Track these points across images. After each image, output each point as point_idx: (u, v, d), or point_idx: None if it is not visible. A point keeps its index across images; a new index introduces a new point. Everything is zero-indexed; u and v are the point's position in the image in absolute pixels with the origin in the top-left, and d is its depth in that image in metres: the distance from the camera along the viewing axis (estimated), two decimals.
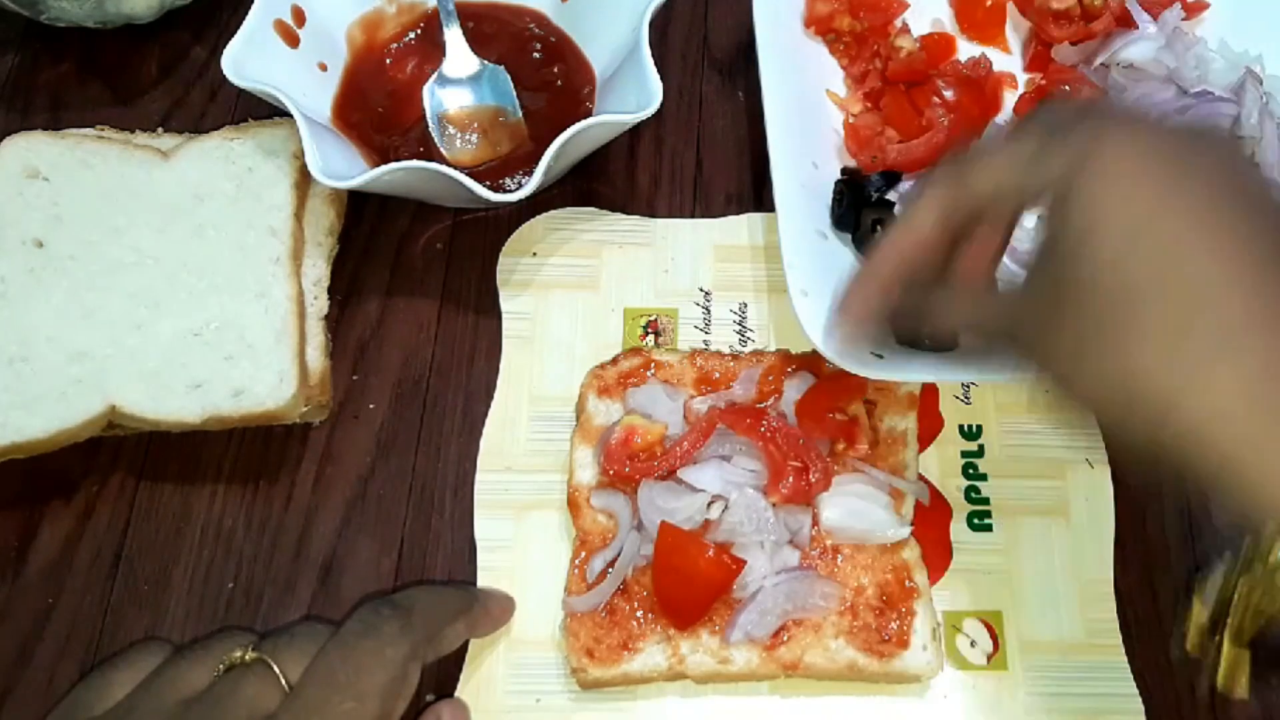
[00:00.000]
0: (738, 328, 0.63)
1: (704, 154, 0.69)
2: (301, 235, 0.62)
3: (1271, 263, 0.35)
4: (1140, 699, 0.53)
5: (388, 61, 0.68)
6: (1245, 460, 0.33)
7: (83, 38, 0.72)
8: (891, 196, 0.63)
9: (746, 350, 0.61)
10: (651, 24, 0.60)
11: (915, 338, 0.53)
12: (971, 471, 0.58)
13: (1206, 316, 0.34)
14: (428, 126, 0.65)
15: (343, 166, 0.60)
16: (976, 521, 0.57)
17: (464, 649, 0.54)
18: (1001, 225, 0.46)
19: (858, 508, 0.54)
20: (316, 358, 0.59)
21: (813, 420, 0.56)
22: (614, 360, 0.59)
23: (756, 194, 0.67)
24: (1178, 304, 0.34)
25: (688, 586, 0.52)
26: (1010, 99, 0.68)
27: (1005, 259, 0.62)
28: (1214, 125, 0.40)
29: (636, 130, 0.66)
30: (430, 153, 0.64)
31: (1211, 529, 0.56)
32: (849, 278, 0.51)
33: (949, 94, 0.66)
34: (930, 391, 0.60)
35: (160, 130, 0.67)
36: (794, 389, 0.57)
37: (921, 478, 0.57)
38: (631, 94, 0.60)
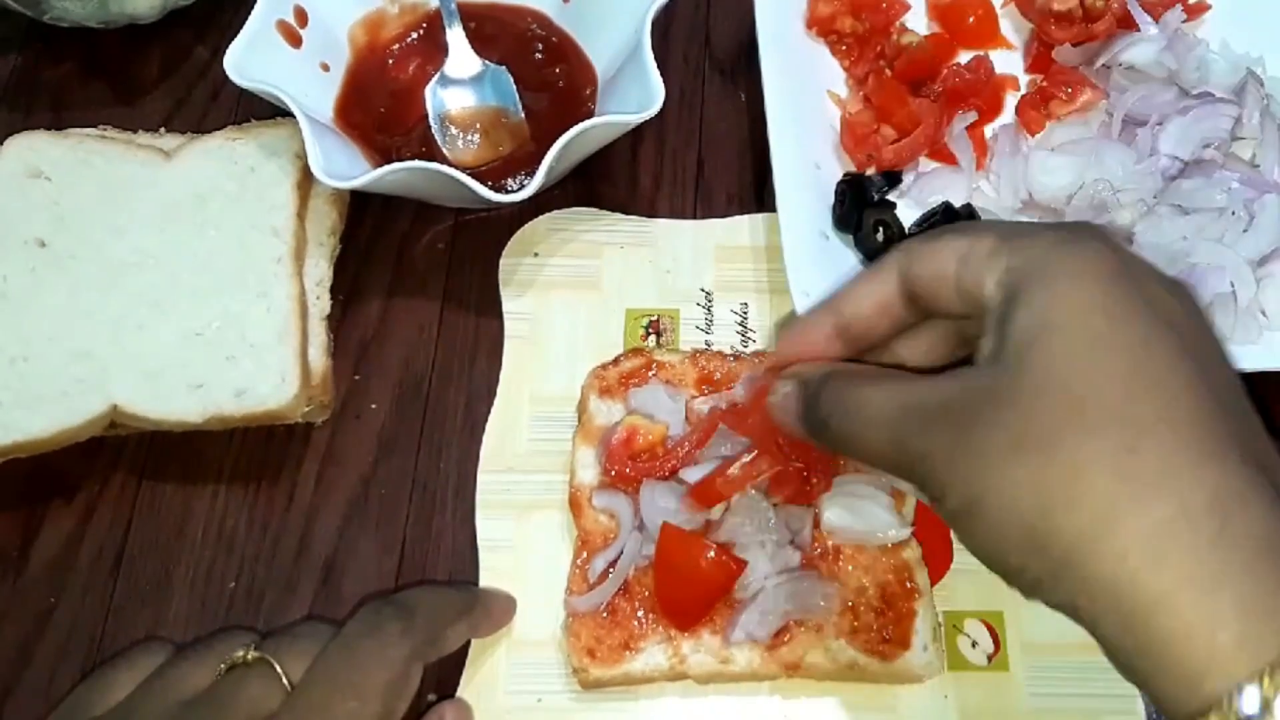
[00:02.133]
0: (739, 328, 0.63)
1: (705, 154, 0.69)
2: (304, 235, 0.62)
3: (1227, 395, 0.34)
4: (1141, 699, 0.53)
5: (390, 62, 0.69)
6: (1171, 624, 0.30)
7: (85, 37, 0.72)
8: (893, 197, 0.63)
9: (748, 351, 0.61)
10: (653, 24, 0.60)
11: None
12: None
13: (1158, 438, 0.31)
14: (430, 127, 0.65)
15: (345, 167, 0.60)
16: None
17: (465, 649, 0.54)
18: (942, 328, 0.43)
19: (859, 508, 0.54)
20: (318, 358, 0.59)
21: None
22: (615, 360, 0.59)
23: (758, 194, 0.67)
24: (1129, 420, 0.32)
25: (689, 587, 0.52)
26: (1011, 100, 0.68)
27: None
28: (1177, 278, 0.38)
29: (638, 131, 0.67)
30: (432, 153, 0.65)
31: None
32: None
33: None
34: None
35: (162, 130, 0.67)
36: None
37: None
38: (633, 95, 0.60)
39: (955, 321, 0.42)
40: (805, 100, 0.66)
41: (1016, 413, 0.33)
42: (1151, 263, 0.38)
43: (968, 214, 0.61)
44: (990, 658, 0.54)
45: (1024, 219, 0.64)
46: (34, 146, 0.62)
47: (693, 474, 0.54)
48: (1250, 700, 0.28)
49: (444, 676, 0.53)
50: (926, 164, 0.66)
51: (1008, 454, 0.33)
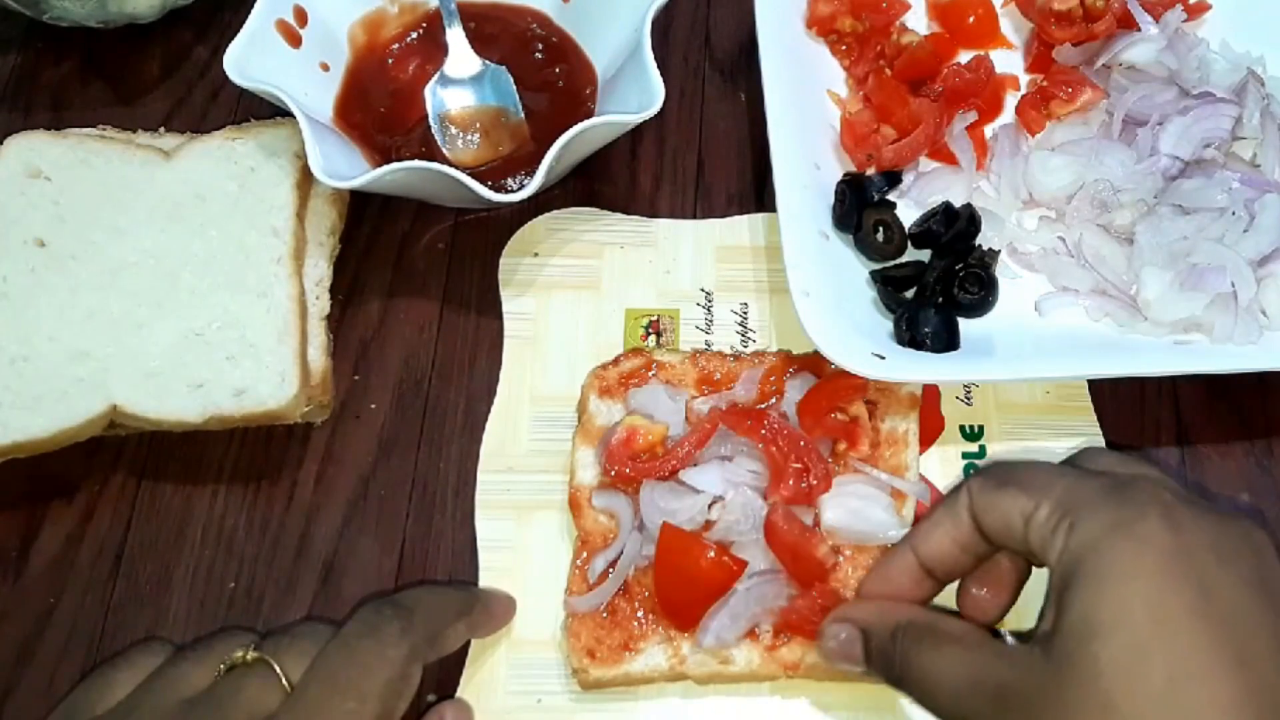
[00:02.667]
0: (739, 328, 0.63)
1: (705, 154, 0.69)
2: (303, 235, 0.62)
3: (1270, 698, 0.35)
4: None
5: (390, 61, 0.68)
6: None
7: (85, 37, 0.72)
8: (893, 197, 0.63)
9: (748, 351, 0.61)
10: (653, 24, 0.60)
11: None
12: (973, 472, 0.58)
13: None
14: (430, 127, 0.65)
15: (345, 166, 0.60)
16: None
17: (465, 649, 0.54)
18: (1012, 568, 0.47)
19: (859, 508, 0.54)
20: (318, 358, 0.59)
21: (814, 421, 0.56)
22: (615, 361, 0.59)
23: (758, 194, 0.67)
24: None
25: (689, 587, 0.52)
26: (1011, 100, 0.68)
27: (1005, 258, 0.62)
28: (1243, 520, 0.40)
29: (638, 131, 0.67)
30: (432, 153, 0.64)
31: None
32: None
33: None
34: (931, 392, 0.60)
35: (162, 130, 0.67)
36: (795, 390, 0.57)
37: (923, 478, 0.57)
38: (633, 94, 0.60)
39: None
40: (805, 100, 0.66)
41: (1075, 711, 0.36)
42: (1210, 516, 0.39)
43: (968, 214, 0.61)
44: None
45: (1026, 218, 0.64)
46: (34, 146, 0.62)
47: (693, 475, 0.54)
48: None
49: (444, 676, 0.53)
50: (926, 164, 0.66)
51: None
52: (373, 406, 0.61)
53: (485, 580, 0.56)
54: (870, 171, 0.64)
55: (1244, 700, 0.35)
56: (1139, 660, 0.35)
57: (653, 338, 0.62)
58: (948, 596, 0.49)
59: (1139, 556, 0.37)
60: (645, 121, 0.58)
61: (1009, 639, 0.44)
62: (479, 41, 0.67)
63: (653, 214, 0.66)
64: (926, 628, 0.45)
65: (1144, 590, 0.36)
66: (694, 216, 0.66)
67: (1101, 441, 0.59)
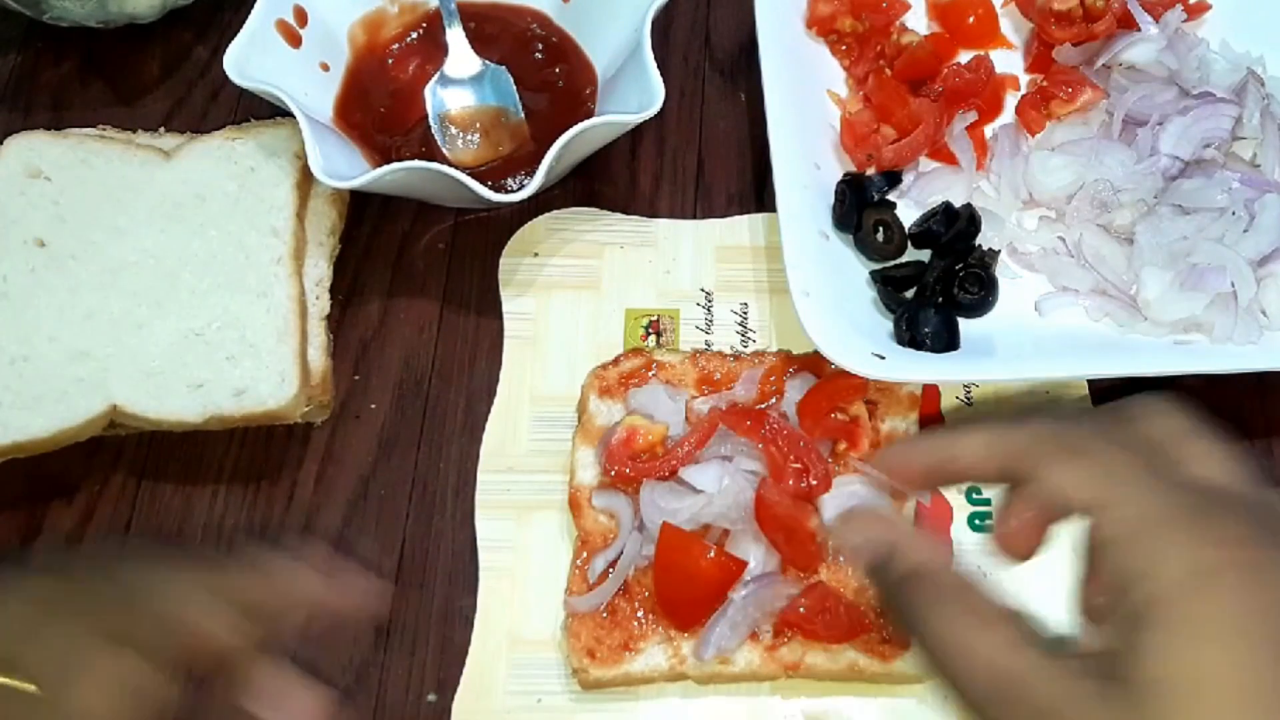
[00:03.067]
0: (739, 328, 0.63)
1: (705, 154, 0.69)
2: (303, 235, 0.62)
3: None
4: None
5: (390, 61, 0.69)
6: None
7: (85, 37, 0.72)
8: (893, 197, 0.63)
9: (748, 351, 0.61)
10: (653, 24, 0.60)
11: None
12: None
13: None
14: (430, 127, 0.65)
15: (345, 166, 0.60)
16: (977, 522, 0.57)
17: (465, 648, 0.54)
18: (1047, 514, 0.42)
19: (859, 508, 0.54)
20: (318, 358, 0.59)
21: (814, 421, 0.56)
22: (615, 361, 0.59)
23: (758, 194, 0.67)
24: None
25: (689, 587, 0.52)
26: (1011, 100, 0.68)
27: (1005, 258, 0.62)
28: None
29: (638, 131, 0.67)
30: (432, 153, 0.65)
31: None
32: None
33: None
34: (931, 392, 0.60)
35: (162, 130, 0.67)
36: (795, 390, 0.57)
37: None
38: (633, 94, 0.60)
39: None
40: (805, 100, 0.66)
41: None
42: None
43: (968, 214, 0.61)
44: None
45: (1026, 218, 0.64)
46: (34, 146, 0.62)
47: (693, 474, 0.54)
48: None
49: (444, 676, 0.54)
50: (926, 164, 0.66)
51: None
52: (373, 406, 0.61)
53: (485, 580, 0.56)
54: (870, 171, 0.64)
55: None
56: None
57: (653, 338, 0.62)
58: None
59: (1220, 616, 0.34)
60: (645, 121, 0.58)
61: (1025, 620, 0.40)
62: (479, 41, 0.67)
63: (653, 214, 0.66)
64: (950, 590, 0.40)
65: (1222, 659, 0.33)
66: (694, 216, 0.66)
67: None
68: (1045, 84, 0.67)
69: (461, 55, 0.66)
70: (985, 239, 0.62)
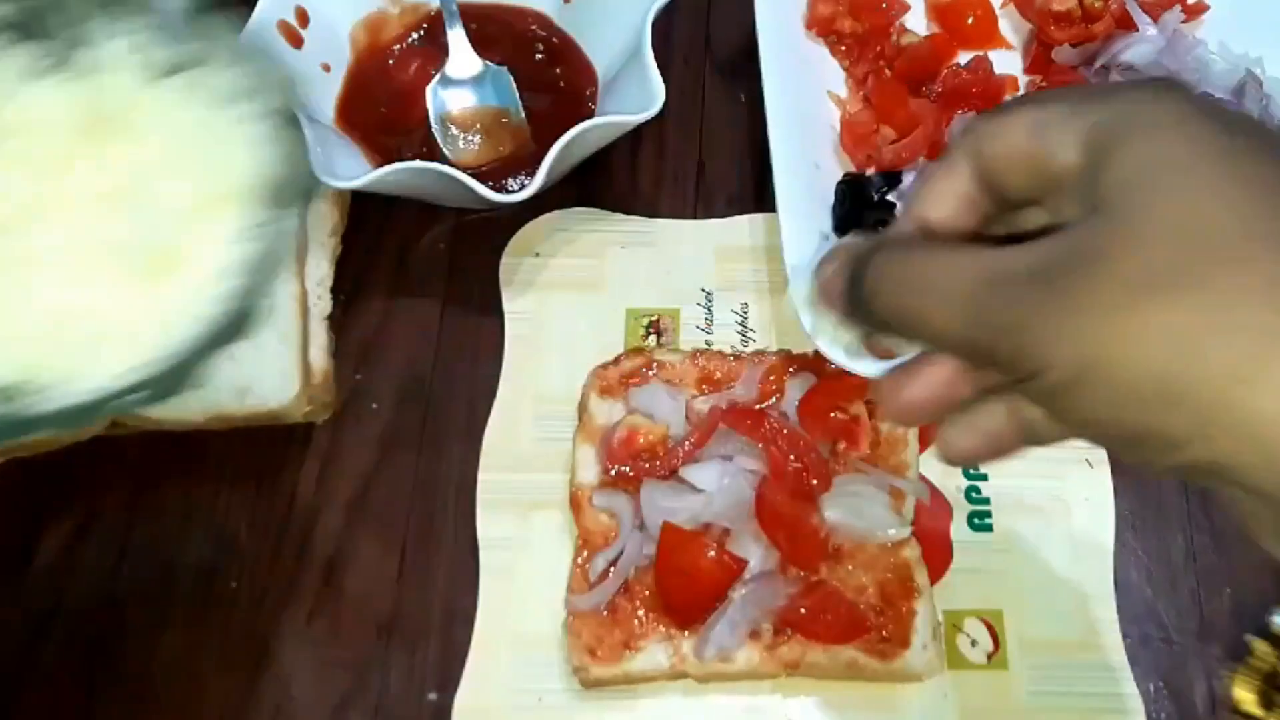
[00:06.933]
0: (739, 328, 0.63)
1: (706, 155, 0.69)
2: (305, 235, 0.62)
3: None
4: (1140, 699, 0.53)
5: (391, 62, 0.69)
6: None
7: None
8: (893, 197, 0.63)
9: (748, 350, 0.62)
10: (654, 25, 0.60)
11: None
12: (972, 471, 0.59)
13: None
14: (431, 127, 0.65)
15: (346, 167, 0.60)
16: (977, 521, 0.57)
17: (466, 647, 0.54)
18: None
19: (859, 507, 0.54)
20: (320, 357, 0.59)
21: (814, 420, 0.56)
22: (616, 360, 0.59)
23: (758, 195, 0.67)
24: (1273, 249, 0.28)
25: (690, 586, 0.52)
26: None
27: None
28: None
29: (639, 131, 0.67)
30: (433, 153, 0.65)
31: None
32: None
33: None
34: None
35: None
36: (796, 389, 0.57)
37: (922, 477, 0.57)
38: (634, 95, 0.60)
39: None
40: (805, 100, 0.66)
41: (1138, 257, 0.29)
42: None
43: None
44: (990, 656, 0.54)
45: None
46: None
47: (693, 474, 0.54)
48: None
49: (444, 675, 0.54)
50: (926, 164, 0.66)
51: (1133, 302, 0.28)
52: (374, 406, 0.61)
53: (486, 580, 0.56)
54: (870, 171, 0.64)
55: None
56: (1227, 180, 0.29)
57: (653, 337, 0.62)
58: None
59: (1189, 111, 0.31)
60: (646, 122, 0.58)
61: None
62: (480, 42, 0.67)
63: (653, 214, 0.66)
64: (915, 239, 0.37)
65: (1206, 130, 0.30)
66: (694, 216, 0.67)
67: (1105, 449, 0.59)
68: (1044, 84, 0.67)
69: (463, 56, 0.66)
70: None
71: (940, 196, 0.37)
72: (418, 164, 0.57)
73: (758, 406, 0.57)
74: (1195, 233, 0.29)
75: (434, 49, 0.68)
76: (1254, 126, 0.32)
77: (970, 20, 0.70)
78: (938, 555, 0.56)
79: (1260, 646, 0.52)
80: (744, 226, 0.66)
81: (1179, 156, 0.30)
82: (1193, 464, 0.29)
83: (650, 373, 0.59)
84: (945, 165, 0.37)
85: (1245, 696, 0.51)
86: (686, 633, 0.52)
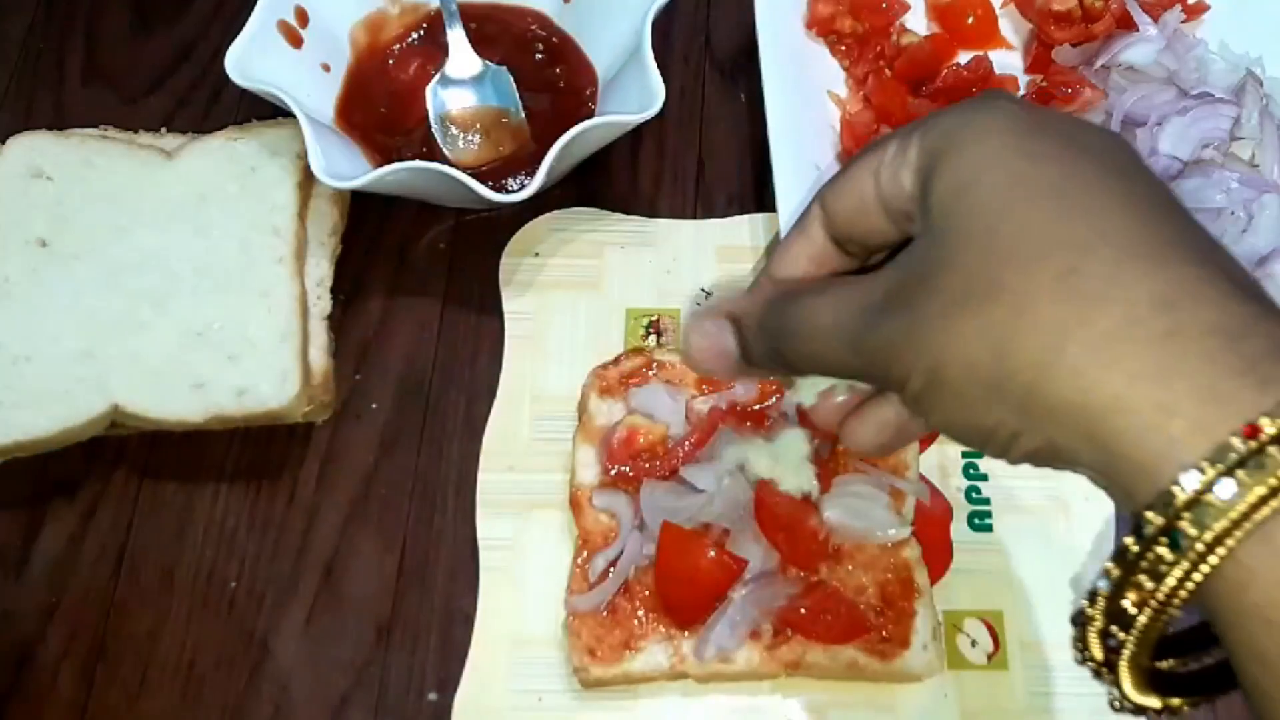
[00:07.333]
0: None
1: (706, 155, 0.69)
2: (304, 235, 0.62)
3: (1162, 207, 0.32)
4: None
5: (391, 62, 0.69)
6: (1126, 422, 0.29)
7: (86, 38, 0.72)
8: None
9: None
10: (654, 25, 0.60)
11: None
12: (972, 472, 0.59)
13: (1097, 255, 0.31)
14: (430, 127, 0.65)
15: (346, 167, 0.60)
16: (977, 521, 0.57)
17: (466, 647, 0.54)
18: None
19: (858, 507, 0.54)
20: (319, 357, 0.59)
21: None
22: (616, 360, 0.59)
23: (758, 195, 0.67)
24: (1065, 243, 0.31)
25: (690, 586, 0.52)
26: None
27: None
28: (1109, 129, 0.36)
29: (638, 131, 0.67)
30: (433, 153, 0.65)
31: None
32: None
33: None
34: None
35: (164, 130, 0.67)
36: None
37: (922, 478, 0.57)
38: (633, 95, 0.60)
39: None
40: (805, 100, 0.66)
41: (955, 271, 0.32)
42: (1076, 117, 0.36)
43: None
44: (990, 656, 0.54)
45: None
46: (36, 146, 0.62)
47: (693, 474, 0.54)
48: (1190, 482, 0.27)
49: (444, 675, 0.54)
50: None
51: (954, 311, 0.32)
52: (374, 406, 0.61)
53: (486, 579, 0.56)
54: None
55: (1142, 203, 0.32)
56: (1020, 186, 0.32)
57: (653, 337, 0.62)
58: None
59: (999, 121, 0.33)
60: (645, 122, 0.58)
61: None
62: (480, 42, 0.67)
63: (653, 214, 0.66)
64: (794, 287, 0.39)
65: (1010, 140, 0.33)
66: (694, 216, 0.67)
67: None
68: (1044, 84, 0.67)
69: (462, 56, 0.66)
70: None
71: (794, 259, 0.41)
72: (418, 164, 0.57)
73: (757, 406, 0.57)
74: (997, 242, 0.32)
75: (434, 49, 0.68)
76: (1060, 128, 0.34)
77: (970, 20, 0.70)
78: (938, 555, 0.56)
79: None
80: (744, 226, 0.66)
81: (983, 170, 0.33)
82: (1035, 452, 0.32)
83: (650, 373, 0.59)
84: (799, 229, 0.41)
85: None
86: (686, 633, 0.52)
